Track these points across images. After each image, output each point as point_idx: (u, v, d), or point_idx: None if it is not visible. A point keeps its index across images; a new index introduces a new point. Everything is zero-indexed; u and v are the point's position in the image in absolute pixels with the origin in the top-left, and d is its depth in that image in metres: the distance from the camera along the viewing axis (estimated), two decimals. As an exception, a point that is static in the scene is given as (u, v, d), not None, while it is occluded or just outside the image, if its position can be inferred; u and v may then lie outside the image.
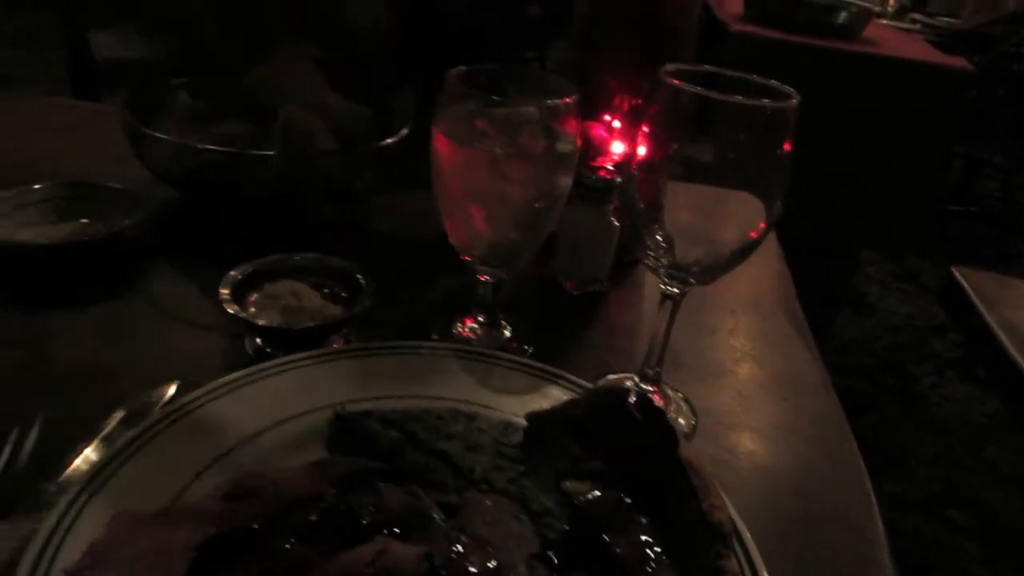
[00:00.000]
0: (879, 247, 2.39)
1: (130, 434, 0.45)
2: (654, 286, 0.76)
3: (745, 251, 0.52)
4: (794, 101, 0.46)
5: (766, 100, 0.46)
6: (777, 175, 0.48)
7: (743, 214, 0.51)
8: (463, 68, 0.55)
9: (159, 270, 0.71)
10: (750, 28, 2.02)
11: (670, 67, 0.50)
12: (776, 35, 1.97)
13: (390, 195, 0.87)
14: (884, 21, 2.61)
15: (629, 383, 0.60)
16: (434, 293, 0.72)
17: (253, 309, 0.59)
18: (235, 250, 0.75)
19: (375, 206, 0.87)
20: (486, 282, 0.62)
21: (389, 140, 0.79)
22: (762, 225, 0.50)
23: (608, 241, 0.71)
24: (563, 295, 0.73)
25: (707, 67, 0.52)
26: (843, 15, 2.02)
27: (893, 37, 2.28)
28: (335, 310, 0.61)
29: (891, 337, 2.50)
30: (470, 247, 0.59)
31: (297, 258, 0.64)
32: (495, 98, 0.54)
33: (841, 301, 2.26)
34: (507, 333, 0.65)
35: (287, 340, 0.58)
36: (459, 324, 0.65)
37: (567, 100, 0.54)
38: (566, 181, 0.56)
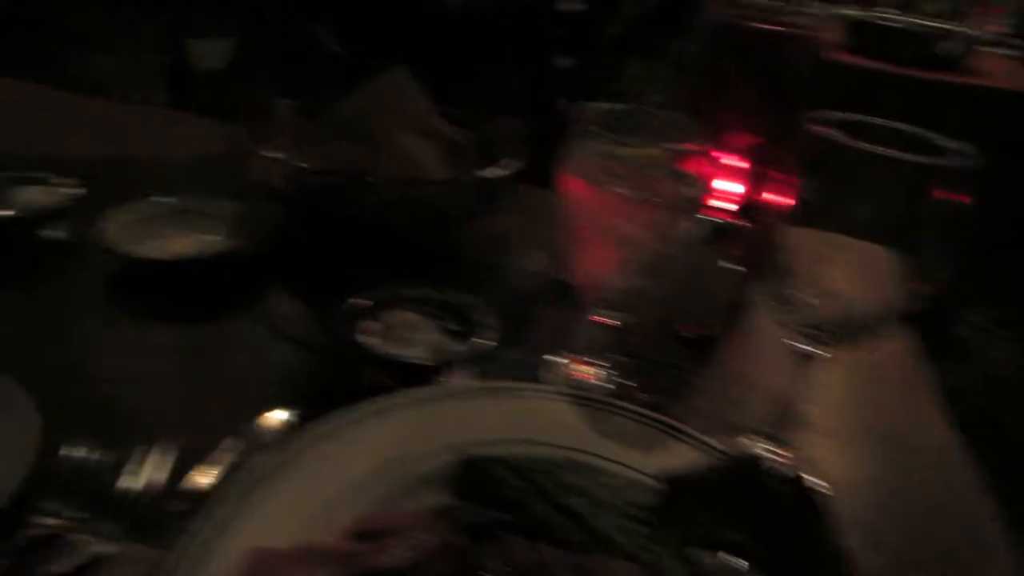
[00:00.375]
0: (982, 291, 2.28)
1: (253, 464, 0.45)
2: (769, 333, 0.74)
3: (891, 315, 0.49)
4: (970, 160, 0.44)
5: (945, 157, 0.44)
6: (940, 239, 0.45)
7: (894, 276, 0.48)
8: (592, 105, 0.54)
9: (272, 290, 0.72)
10: (846, 57, 1.96)
11: (817, 114, 0.48)
12: (873, 64, 1.91)
13: (486, 222, 0.87)
14: (983, 48, 2.50)
15: (750, 441, 0.57)
16: (540, 329, 0.71)
17: (368, 337, 0.59)
18: (345, 273, 0.75)
19: (473, 232, 0.86)
20: (603, 324, 0.60)
21: (497, 172, 0.78)
22: (915, 289, 0.47)
23: (722, 284, 0.69)
24: (673, 338, 0.71)
25: (856, 116, 0.50)
26: (947, 44, 1.94)
27: (998, 66, 2.18)
28: (449, 343, 0.60)
29: (991, 387, 2.37)
30: (592, 288, 0.58)
31: (412, 288, 0.64)
32: (624, 138, 0.53)
33: (938, 346, 2.16)
34: (620, 378, 0.63)
35: (405, 373, 0.58)
36: (571, 365, 0.64)
37: (698, 143, 0.52)
38: (694, 226, 0.54)
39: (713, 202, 0.68)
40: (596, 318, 0.60)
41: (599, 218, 0.53)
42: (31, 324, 0.63)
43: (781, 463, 0.52)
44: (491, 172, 0.78)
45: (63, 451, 0.48)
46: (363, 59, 1.14)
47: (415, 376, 0.58)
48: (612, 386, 0.62)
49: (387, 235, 0.77)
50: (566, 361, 0.64)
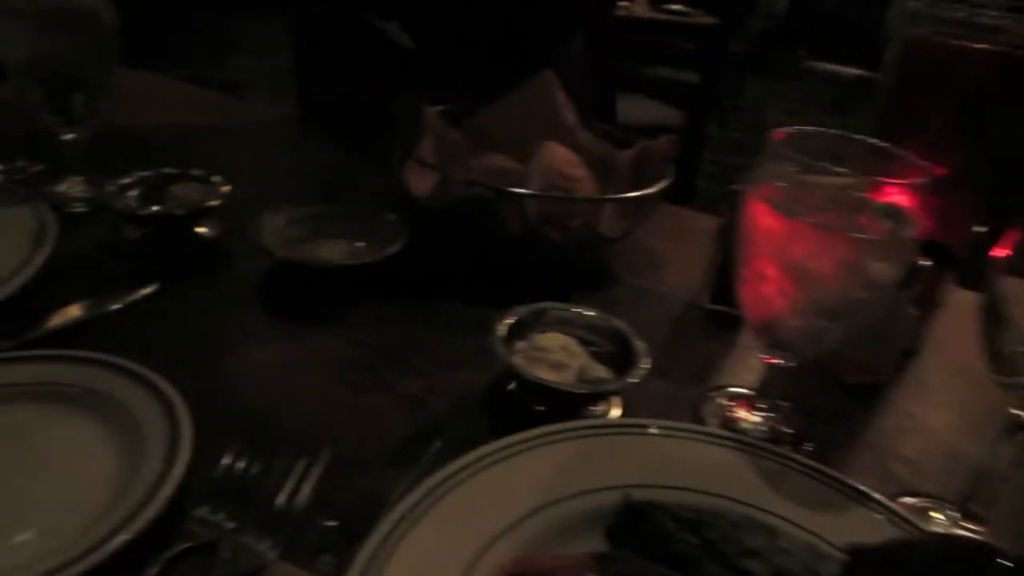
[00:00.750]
0: None
1: (413, 496, 0.43)
2: (943, 386, 0.67)
3: None
4: None
5: None
6: None
7: None
8: (788, 129, 0.50)
9: (413, 301, 0.70)
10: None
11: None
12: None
13: (633, 242, 0.83)
14: None
15: (935, 512, 0.51)
16: (691, 362, 0.66)
17: (519, 358, 0.56)
18: (492, 289, 0.73)
19: (621, 252, 0.83)
20: (772, 365, 0.55)
21: (647, 190, 0.75)
22: None
23: (900, 329, 0.63)
24: (834, 382, 0.65)
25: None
26: None
27: None
28: (601, 371, 0.57)
29: None
30: (759, 324, 0.53)
31: (564, 309, 0.61)
32: (819, 165, 0.48)
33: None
34: (781, 424, 0.58)
35: (554, 398, 0.55)
36: (729, 405, 0.59)
37: (917, 177, 0.47)
38: (899, 270, 0.49)
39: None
40: (762, 357, 0.56)
41: (783, 250, 0.49)
42: (184, 324, 0.64)
43: (990, 545, 0.45)
44: (641, 190, 0.74)
45: (224, 460, 0.47)
46: (436, 53, 1.13)
47: (564, 402, 0.55)
48: (767, 429, 0.57)
49: (534, 251, 0.75)
50: (724, 400, 0.60)
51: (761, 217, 0.48)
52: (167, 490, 0.42)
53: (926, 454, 0.59)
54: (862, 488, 0.48)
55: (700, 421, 0.58)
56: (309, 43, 1.29)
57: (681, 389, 0.62)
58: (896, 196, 0.48)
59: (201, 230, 0.76)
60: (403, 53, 1.13)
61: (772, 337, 0.53)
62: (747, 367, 0.66)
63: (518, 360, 0.56)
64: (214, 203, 0.74)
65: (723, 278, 0.70)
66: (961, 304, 0.63)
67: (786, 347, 0.53)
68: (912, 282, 0.60)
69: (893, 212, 0.47)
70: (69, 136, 0.79)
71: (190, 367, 0.57)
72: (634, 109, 2.91)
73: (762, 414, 0.57)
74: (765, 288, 0.50)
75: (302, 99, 1.33)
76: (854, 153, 0.52)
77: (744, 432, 0.56)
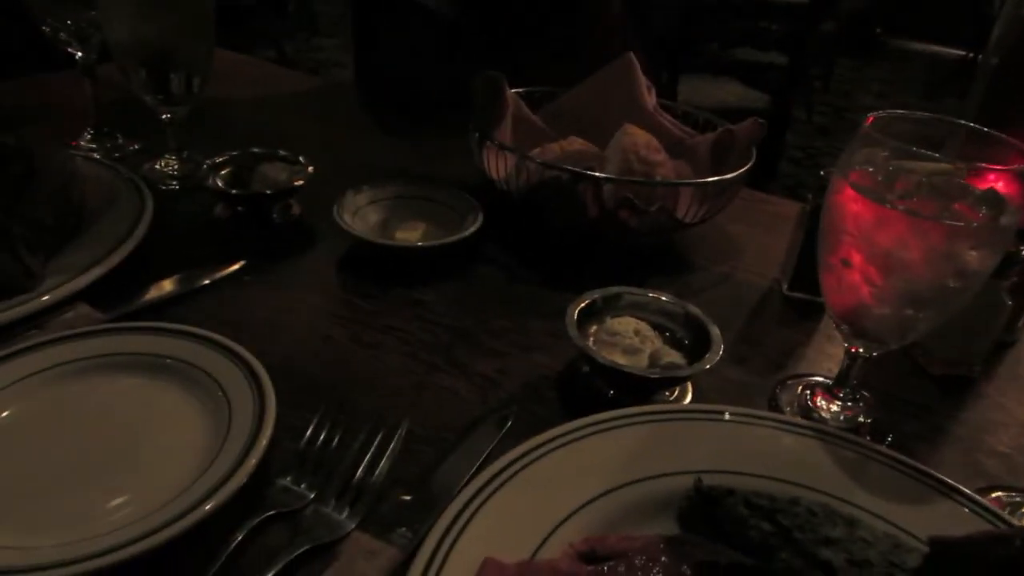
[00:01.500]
0: None
1: (485, 474, 0.44)
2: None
3: None
4: None
5: None
6: None
7: None
8: (880, 113, 0.48)
9: (488, 283, 0.71)
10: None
11: None
12: None
13: (712, 227, 0.81)
14: None
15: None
16: (768, 349, 0.65)
17: (592, 342, 0.57)
18: (561, 271, 0.73)
19: (699, 237, 0.81)
20: (853, 354, 0.54)
21: (732, 175, 0.73)
22: None
23: (993, 320, 0.60)
24: (920, 375, 0.63)
25: None
26: None
27: None
28: (675, 356, 0.56)
29: None
30: (849, 315, 0.52)
31: (639, 293, 0.61)
32: (914, 150, 0.46)
33: None
34: (863, 415, 0.56)
35: (626, 382, 0.55)
36: (808, 395, 0.58)
37: (1019, 163, 0.44)
38: (994, 259, 0.47)
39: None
40: (853, 347, 0.54)
41: (871, 237, 0.47)
42: (268, 300, 0.66)
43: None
44: (721, 174, 0.73)
45: (306, 432, 0.49)
46: (477, 22, 1.12)
47: (636, 387, 0.55)
48: (846, 419, 0.55)
49: (611, 235, 0.74)
50: (801, 388, 0.59)
51: (849, 203, 0.47)
52: (253, 460, 0.44)
53: (1019, 448, 0.56)
54: (947, 480, 0.46)
55: (776, 409, 0.57)
56: (365, 23, 1.29)
57: (757, 376, 0.61)
58: (995, 183, 0.46)
59: (287, 209, 0.78)
60: (450, 28, 1.13)
61: (855, 326, 0.51)
62: (826, 355, 0.65)
63: (591, 344, 0.56)
64: (299, 183, 0.76)
65: (803, 264, 0.69)
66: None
67: (870, 336, 0.52)
68: (1008, 271, 0.57)
69: (990, 199, 0.44)
70: (167, 115, 0.82)
71: (273, 341, 0.59)
72: (718, 91, 2.84)
73: (841, 403, 0.56)
74: (850, 275, 0.49)
75: (359, 80, 1.33)
76: (951, 138, 0.50)
77: (822, 421, 0.55)
